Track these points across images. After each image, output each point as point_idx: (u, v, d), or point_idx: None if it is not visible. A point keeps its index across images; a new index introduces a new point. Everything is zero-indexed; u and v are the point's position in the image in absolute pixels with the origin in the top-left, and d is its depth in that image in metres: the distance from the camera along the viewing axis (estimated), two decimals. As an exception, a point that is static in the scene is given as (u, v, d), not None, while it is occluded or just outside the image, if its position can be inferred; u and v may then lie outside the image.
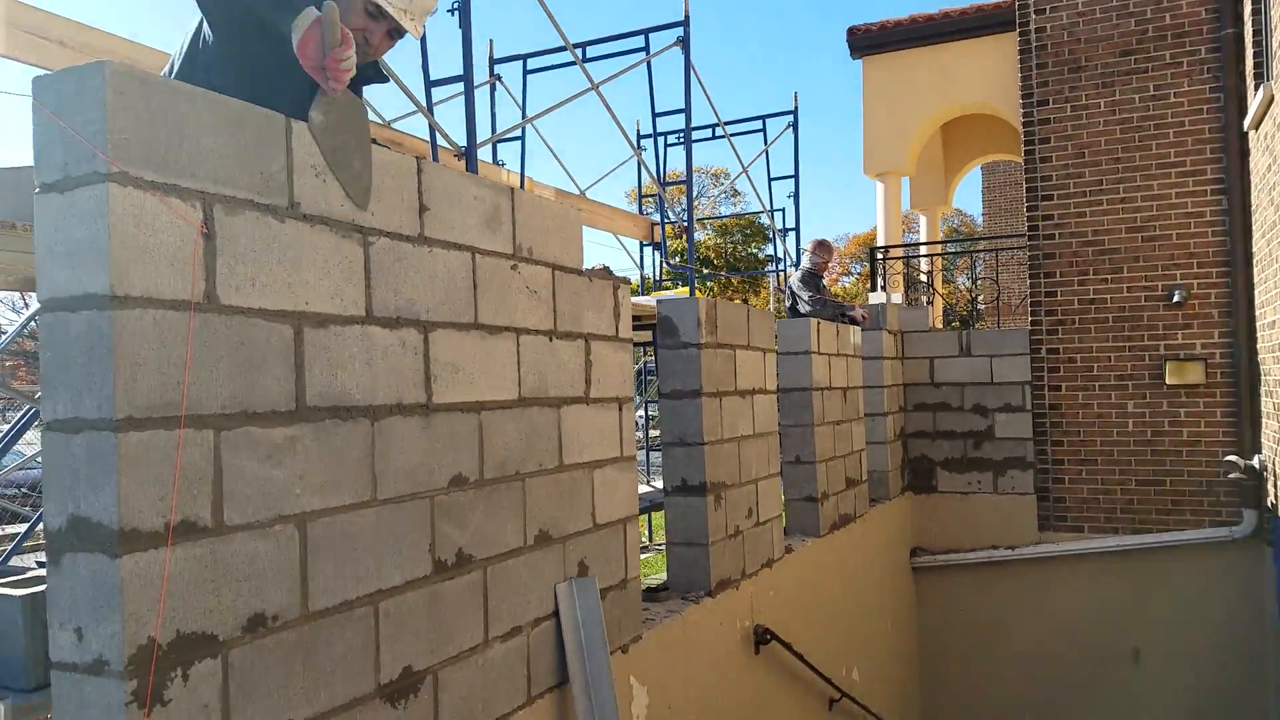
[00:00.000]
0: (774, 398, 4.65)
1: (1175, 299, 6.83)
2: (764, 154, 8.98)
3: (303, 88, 2.07)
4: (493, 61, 6.90)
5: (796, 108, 9.19)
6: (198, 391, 1.75)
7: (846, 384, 5.87)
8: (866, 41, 9.73)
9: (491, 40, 7.24)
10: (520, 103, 6.98)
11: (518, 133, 6.98)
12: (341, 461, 2.07)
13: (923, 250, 10.64)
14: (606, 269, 3.22)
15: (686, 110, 5.70)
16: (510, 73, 6.82)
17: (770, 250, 33.78)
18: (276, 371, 1.92)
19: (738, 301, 13.97)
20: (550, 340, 2.86)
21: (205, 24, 2.15)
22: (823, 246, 7.02)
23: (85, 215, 1.65)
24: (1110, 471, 7.10)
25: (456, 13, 4.54)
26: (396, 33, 2.23)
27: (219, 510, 1.79)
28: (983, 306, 11.86)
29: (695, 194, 12.56)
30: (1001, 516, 7.37)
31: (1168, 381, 6.90)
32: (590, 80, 4.97)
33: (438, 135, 4.83)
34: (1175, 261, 6.87)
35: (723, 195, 31.37)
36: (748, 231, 28.61)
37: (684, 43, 5.61)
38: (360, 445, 2.12)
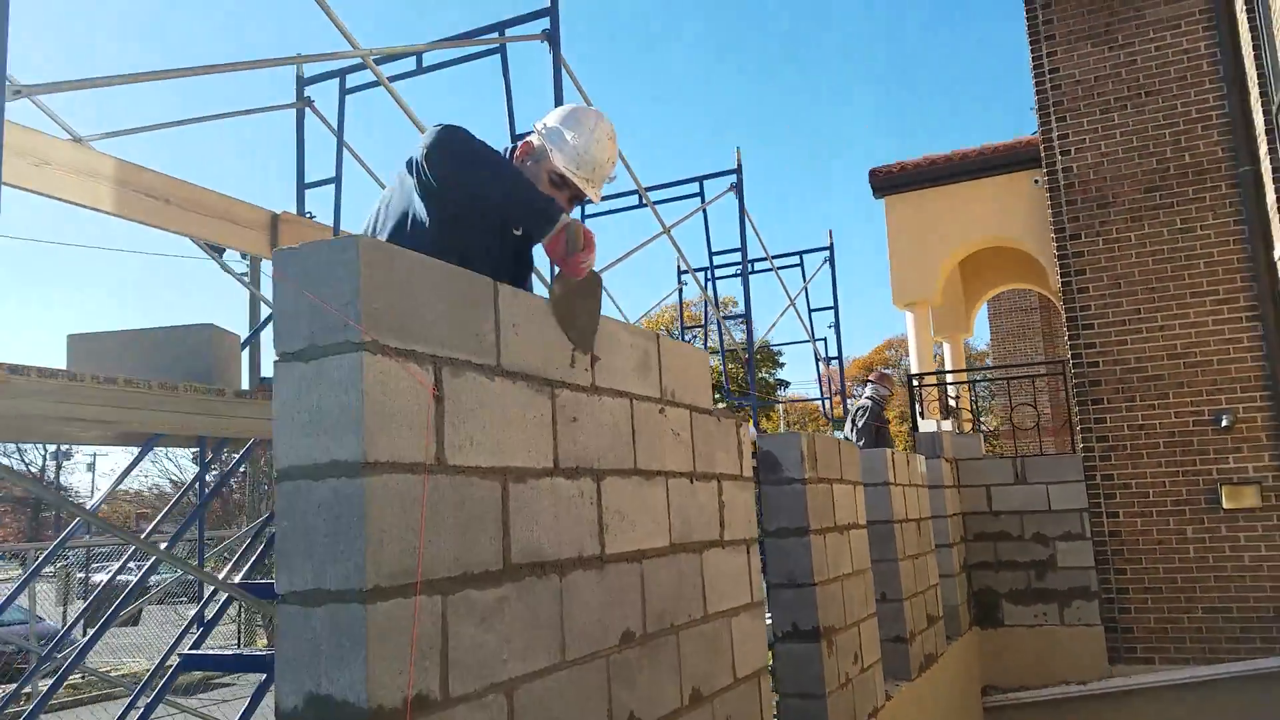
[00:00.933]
0: (866, 532, 4.59)
1: (1223, 423, 6.87)
2: (804, 289, 9.15)
3: (494, 249, 2.17)
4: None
5: (832, 244, 9.48)
6: (430, 556, 1.73)
7: (920, 514, 5.82)
8: (887, 182, 10.13)
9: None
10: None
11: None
12: (538, 622, 2.02)
13: (964, 377, 10.76)
14: (729, 407, 3.23)
15: (743, 248, 5.82)
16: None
17: (779, 374, 34.17)
18: (489, 530, 1.90)
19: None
20: (691, 482, 2.84)
21: (420, 206, 2.24)
22: (886, 379, 7.14)
23: (334, 383, 1.66)
24: (1175, 600, 6.96)
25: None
26: (577, 199, 2.33)
27: (445, 681, 1.73)
28: (1009, 428, 11.89)
29: (706, 322, 12.79)
30: (1070, 649, 7.16)
31: (1225, 506, 6.85)
32: (662, 224, 5.09)
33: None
34: (1219, 386, 6.94)
35: (732, 323, 31.92)
36: (759, 356, 29.10)
37: (738, 188, 5.77)
38: (552, 603, 2.07)
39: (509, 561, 1.95)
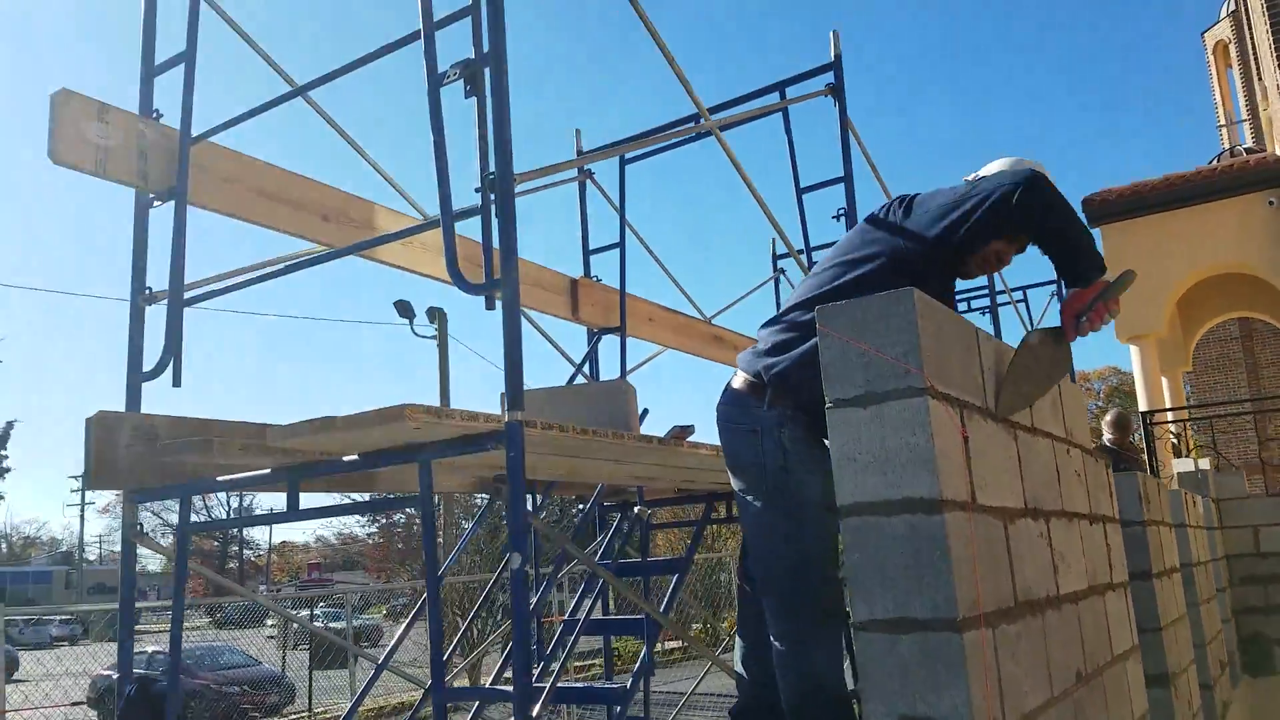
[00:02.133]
0: (1180, 576, 4.42)
1: None
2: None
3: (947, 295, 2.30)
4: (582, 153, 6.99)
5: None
6: (983, 589, 1.81)
7: (1207, 557, 5.54)
8: (1104, 210, 9.81)
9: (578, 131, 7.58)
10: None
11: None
12: (1036, 658, 2.07)
13: (1207, 411, 10.22)
14: (1091, 448, 3.22)
15: (848, 178, 5.08)
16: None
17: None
18: (1003, 567, 1.98)
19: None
20: (1090, 524, 2.84)
21: (909, 247, 2.38)
22: (1121, 424, 6.90)
23: (897, 425, 1.79)
24: None
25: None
26: (1021, 249, 2.43)
27: (1000, 704, 1.80)
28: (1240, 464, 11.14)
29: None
30: (1366, 705, 6.58)
31: None
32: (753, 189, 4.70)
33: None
34: None
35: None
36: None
37: (837, 91, 4.93)
38: (1039, 640, 2.12)
39: (1016, 598, 2.01)
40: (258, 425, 2.84)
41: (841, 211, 4.60)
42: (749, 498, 2.46)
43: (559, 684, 3.44)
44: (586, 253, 5.41)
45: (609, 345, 5.16)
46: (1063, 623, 2.33)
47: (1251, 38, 14.02)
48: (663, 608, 3.88)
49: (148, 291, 3.13)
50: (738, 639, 2.95)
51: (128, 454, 2.92)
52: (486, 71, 2.42)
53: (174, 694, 2.82)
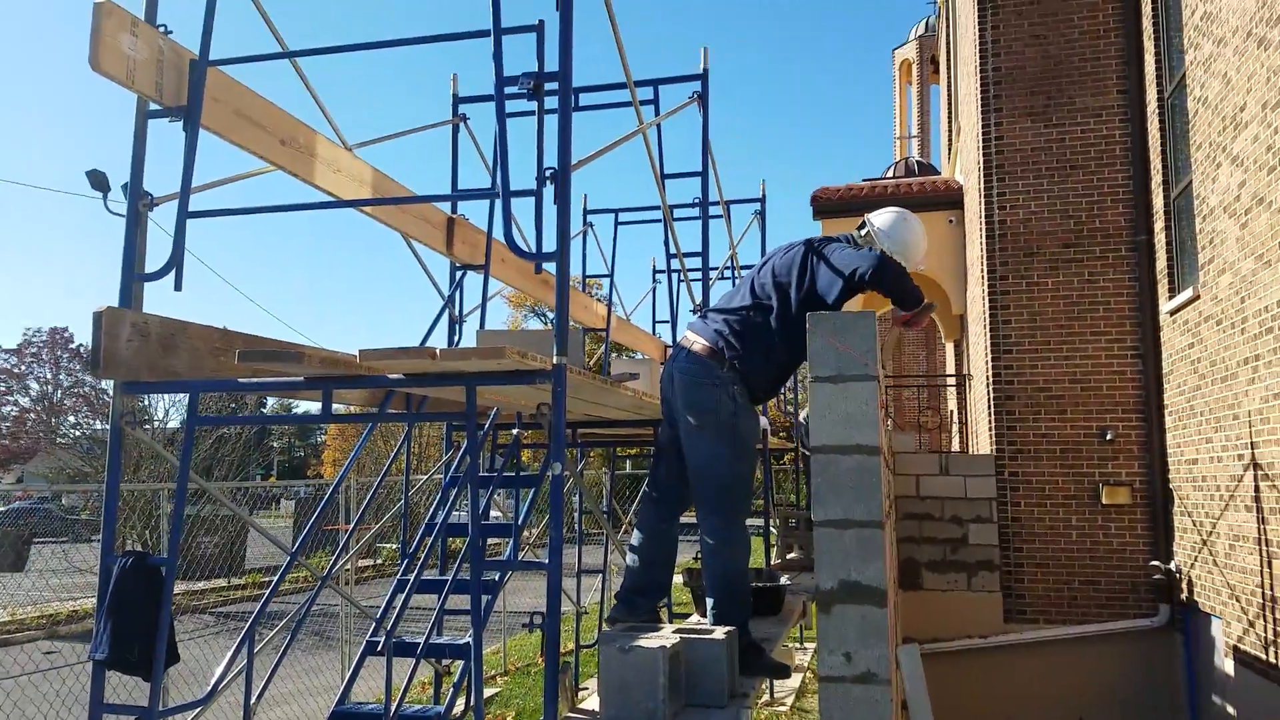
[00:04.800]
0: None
1: (1107, 437, 8.80)
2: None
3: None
4: (587, 211, 8.14)
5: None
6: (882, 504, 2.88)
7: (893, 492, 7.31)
8: (827, 207, 11.68)
9: (586, 195, 8.50)
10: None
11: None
12: (887, 536, 3.20)
13: (890, 382, 12.44)
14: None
15: (704, 182, 6.41)
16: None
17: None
18: (876, 487, 3.07)
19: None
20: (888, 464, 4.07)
21: (832, 286, 3.38)
22: None
23: (855, 397, 2.78)
24: (1059, 574, 8.85)
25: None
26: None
27: (885, 573, 2.89)
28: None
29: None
30: (974, 610, 8.93)
31: (1103, 501, 8.79)
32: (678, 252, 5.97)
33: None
34: (1105, 408, 8.87)
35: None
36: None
37: (703, 100, 6.16)
38: (889, 536, 3.26)
39: (884, 512, 3.12)
40: (307, 344, 3.22)
41: (697, 200, 5.57)
42: (703, 431, 3.39)
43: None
44: (455, 192, 5.90)
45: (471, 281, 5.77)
46: (887, 528, 3.50)
47: (949, 71, 16.75)
48: (524, 512, 4.68)
49: (148, 198, 3.32)
50: (635, 531, 3.86)
51: (128, 348, 3.20)
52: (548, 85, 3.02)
53: (171, 563, 3.17)
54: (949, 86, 15.72)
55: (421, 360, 2.85)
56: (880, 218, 3.74)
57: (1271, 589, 6.30)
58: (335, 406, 3.35)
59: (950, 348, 15.20)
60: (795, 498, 11.35)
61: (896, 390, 20.36)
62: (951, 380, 14.61)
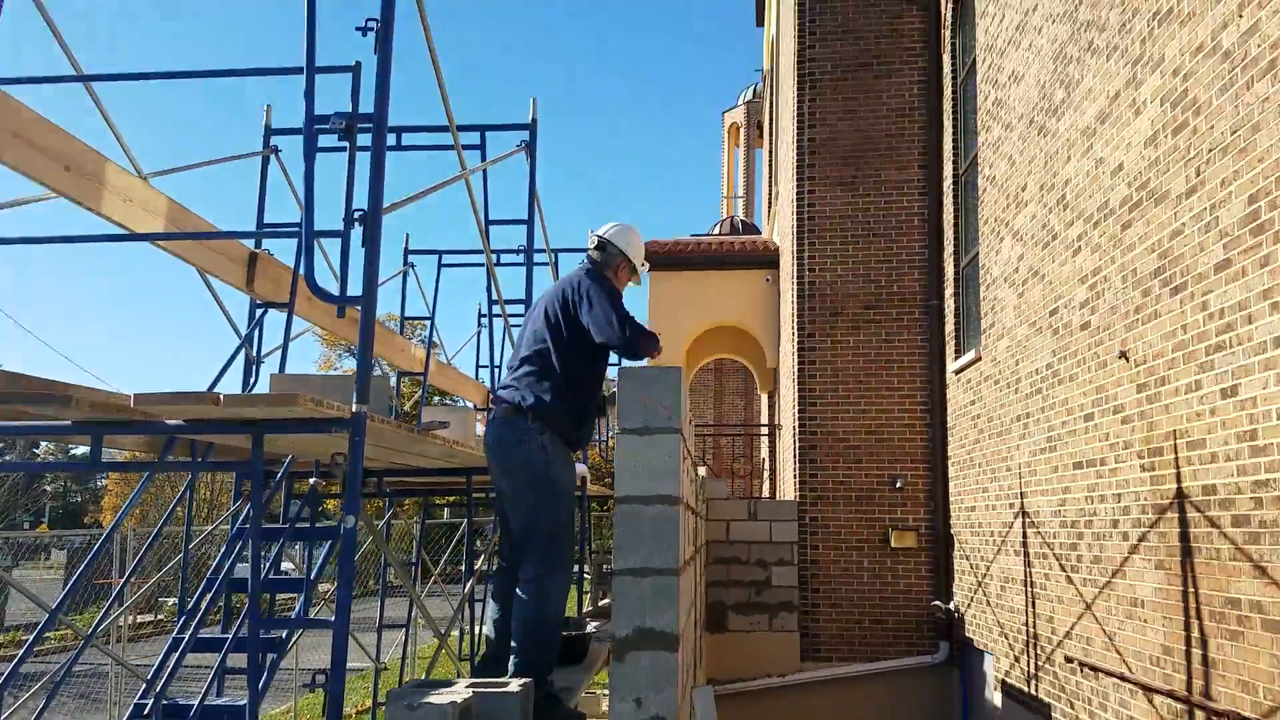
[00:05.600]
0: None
1: (897, 485, 9.46)
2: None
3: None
4: (409, 251, 8.04)
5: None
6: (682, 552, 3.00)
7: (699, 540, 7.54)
8: (655, 260, 12.02)
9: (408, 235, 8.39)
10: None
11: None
12: (686, 589, 3.32)
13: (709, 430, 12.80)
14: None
15: (530, 227, 6.52)
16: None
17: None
18: (685, 537, 3.19)
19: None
20: (691, 512, 4.23)
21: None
22: None
23: (660, 450, 2.89)
24: (851, 613, 9.38)
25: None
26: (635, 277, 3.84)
27: (680, 620, 3.00)
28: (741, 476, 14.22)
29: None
30: (774, 649, 9.29)
31: (892, 544, 9.41)
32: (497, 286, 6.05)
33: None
34: (896, 458, 9.54)
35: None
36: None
37: (530, 149, 6.30)
38: (687, 581, 3.38)
39: (682, 560, 3.24)
40: (82, 386, 2.99)
41: (522, 248, 5.63)
42: (520, 489, 3.44)
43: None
44: (261, 227, 5.69)
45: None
46: (688, 575, 3.63)
47: (772, 137, 17.71)
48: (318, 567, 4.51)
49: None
50: (490, 603, 3.83)
51: None
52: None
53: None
54: (771, 151, 16.64)
55: (203, 406, 2.72)
56: (611, 230, 4.00)
57: (1034, 626, 6.94)
58: (115, 452, 3.13)
59: (765, 398, 15.90)
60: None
61: (716, 438, 21.06)
62: (765, 430, 15.28)
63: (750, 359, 14.50)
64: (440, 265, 7.95)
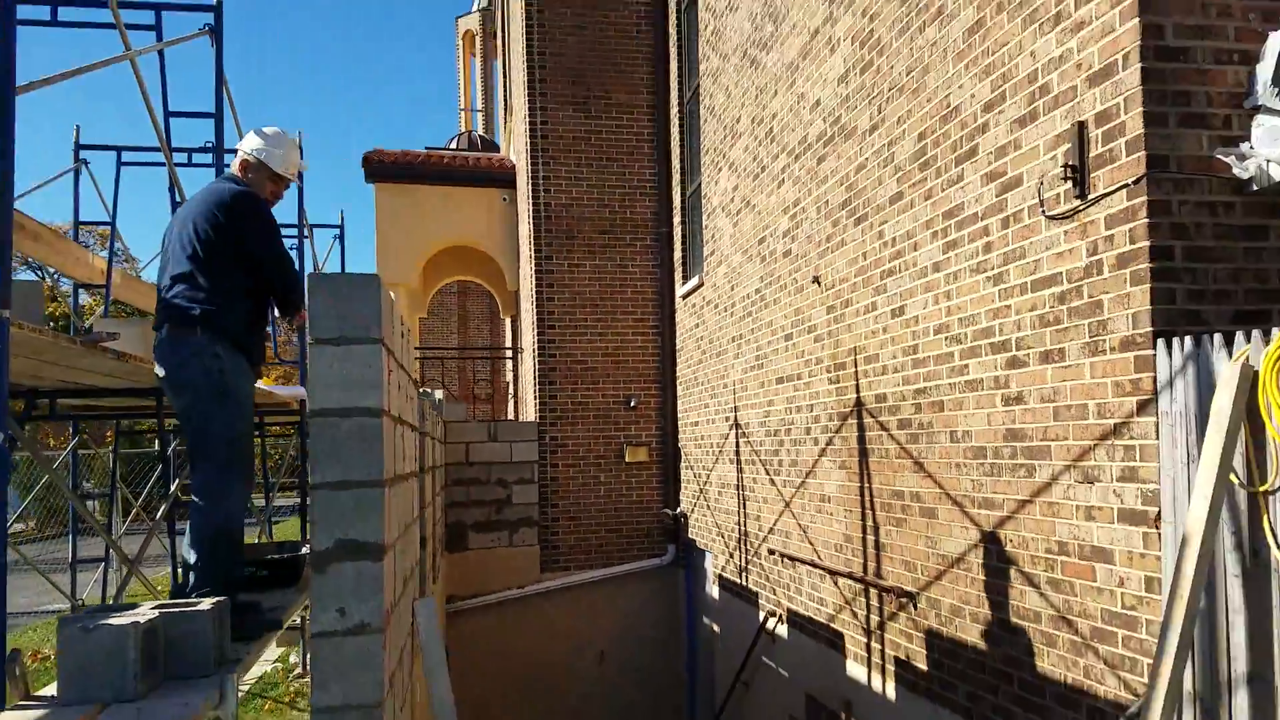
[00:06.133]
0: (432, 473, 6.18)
1: (631, 404, 9.90)
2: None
3: None
4: (80, 146, 7.17)
5: (343, 224, 10.56)
6: (393, 465, 3.00)
7: (435, 463, 7.54)
8: (380, 170, 11.58)
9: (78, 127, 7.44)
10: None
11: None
12: (400, 505, 3.33)
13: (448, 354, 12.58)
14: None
15: (219, 130, 5.98)
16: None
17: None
18: (395, 452, 3.19)
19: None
20: (412, 429, 4.21)
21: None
22: None
23: (360, 361, 2.84)
24: (589, 525, 9.80)
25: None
26: (286, 186, 3.77)
27: (390, 531, 3.02)
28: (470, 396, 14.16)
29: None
30: (515, 564, 9.54)
31: (626, 460, 9.89)
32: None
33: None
34: (631, 379, 9.96)
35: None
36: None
37: (216, 34, 5.94)
38: (399, 498, 3.40)
39: (394, 473, 3.24)
40: None
41: (209, 144, 5.20)
42: (198, 402, 3.24)
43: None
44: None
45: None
46: (405, 489, 3.63)
47: (505, 49, 17.33)
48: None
49: None
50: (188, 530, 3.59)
51: None
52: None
53: None
54: (505, 64, 16.29)
55: None
56: (265, 135, 3.80)
57: (745, 525, 7.61)
58: None
59: (509, 322, 15.93)
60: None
61: (460, 362, 20.87)
62: (509, 353, 15.34)
63: (492, 283, 14.43)
64: (120, 164, 7.04)
